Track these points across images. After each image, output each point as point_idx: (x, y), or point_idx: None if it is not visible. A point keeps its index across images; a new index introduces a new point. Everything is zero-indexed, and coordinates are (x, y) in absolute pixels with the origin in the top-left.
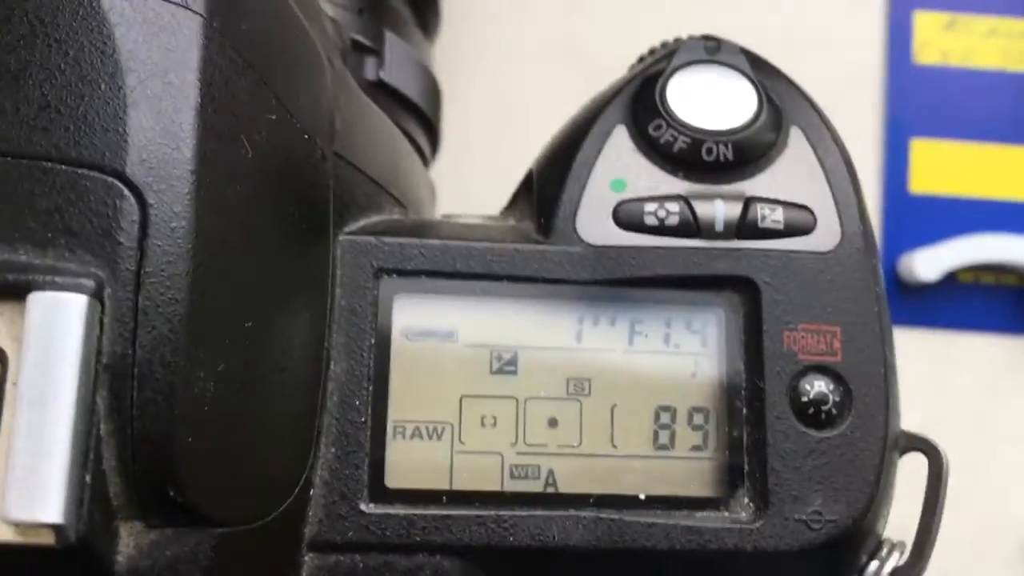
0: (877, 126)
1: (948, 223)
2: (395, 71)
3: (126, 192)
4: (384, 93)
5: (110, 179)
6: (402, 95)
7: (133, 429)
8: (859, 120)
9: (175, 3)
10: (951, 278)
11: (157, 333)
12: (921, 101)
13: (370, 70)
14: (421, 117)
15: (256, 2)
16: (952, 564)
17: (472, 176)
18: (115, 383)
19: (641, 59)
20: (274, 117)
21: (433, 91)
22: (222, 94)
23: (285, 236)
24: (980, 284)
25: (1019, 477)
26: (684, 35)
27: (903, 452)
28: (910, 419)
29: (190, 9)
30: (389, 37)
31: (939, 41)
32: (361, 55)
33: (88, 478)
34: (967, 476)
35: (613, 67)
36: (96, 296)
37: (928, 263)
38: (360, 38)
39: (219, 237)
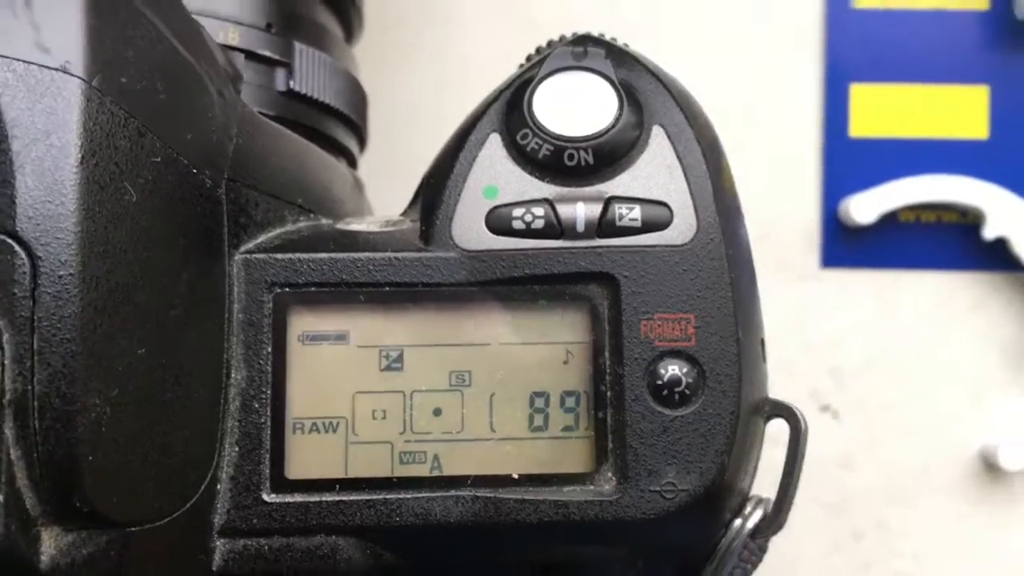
0: (817, 72)
1: (889, 165)
2: (307, 79)
3: (16, 248)
4: (297, 101)
5: (2, 237)
6: (316, 100)
7: (39, 453)
8: (800, 67)
9: (55, 68)
10: (893, 218)
11: (52, 370)
12: (860, 46)
13: (280, 81)
14: (341, 118)
15: (138, 53)
16: (901, 488)
17: (422, 147)
18: (19, 416)
19: (528, 58)
20: (159, 159)
21: (352, 92)
22: (103, 148)
23: (177, 265)
24: (921, 223)
25: (961, 407)
26: None
27: (768, 418)
28: (855, 356)
29: (69, 73)
30: (299, 48)
31: None
32: (271, 68)
33: (1, 497)
34: (913, 407)
35: (559, 28)
36: None
37: (863, 207)
38: (268, 53)
39: (107, 278)
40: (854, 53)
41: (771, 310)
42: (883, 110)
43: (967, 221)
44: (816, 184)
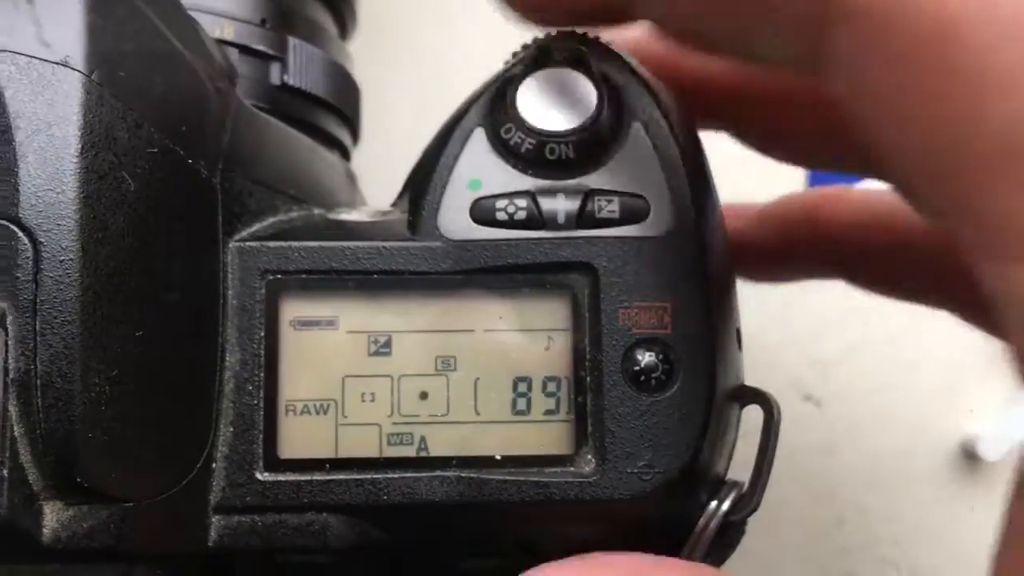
0: None
1: None
2: (300, 74)
3: (20, 234)
4: (290, 94)
5: (5, 223)
6: (310, 94)
7: (41, 430)
8: None
9: (56, 63)
10: None
11: (54, 351)
12: None
13: (275, 75)
14: (334, 111)
15: (136, 49)
16: (882, 476)
17: (416, 136)
18: (22, 394)
19: (514, 55)
20: (155, 150)
21: (345, 86)
22: (102, 139)
23: (173, 251)
24: None
25: (940, 394)
26: None
27: (744, 404)
28: (836, 347)
29: (69, 67)
30: (293, 43)
31: None
32: (265, 63)
33: (5, 471)
34: (894, 396)
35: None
36: None
37: None
38: (262, 48)
39: (106, 263)
40: None
41: (755, 302)
42: None
43: None
44: (800, 179)
